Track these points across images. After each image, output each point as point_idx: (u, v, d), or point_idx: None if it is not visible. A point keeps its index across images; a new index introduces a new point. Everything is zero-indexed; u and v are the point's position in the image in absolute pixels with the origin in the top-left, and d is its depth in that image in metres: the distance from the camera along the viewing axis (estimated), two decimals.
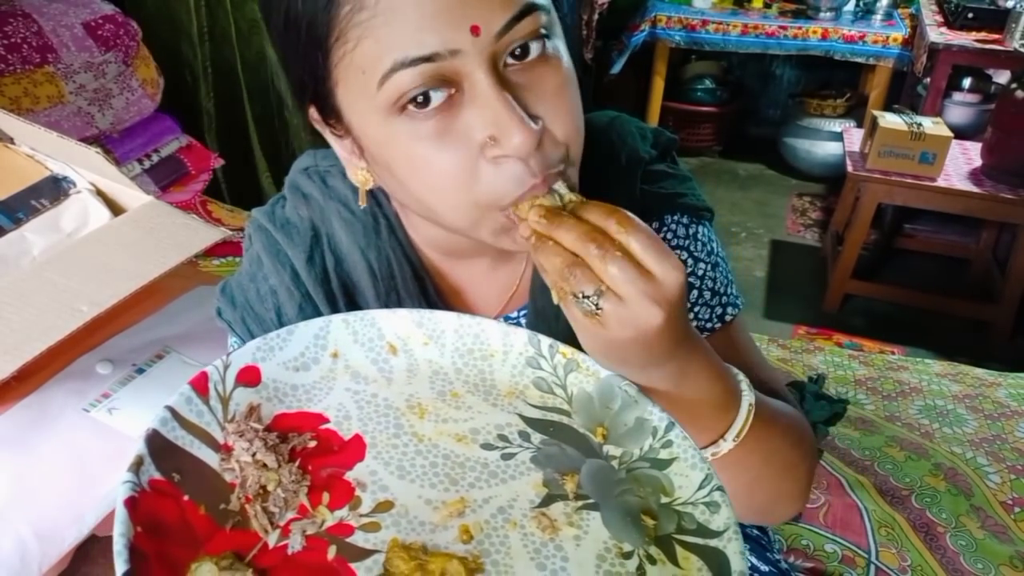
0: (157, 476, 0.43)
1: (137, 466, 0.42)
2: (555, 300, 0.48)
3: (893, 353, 2.12)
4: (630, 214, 0.46)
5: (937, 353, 2.27)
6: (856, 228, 2.41)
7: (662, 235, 0.68)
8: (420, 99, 0.48)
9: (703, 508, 0.47)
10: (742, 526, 0.90)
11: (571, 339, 0.62)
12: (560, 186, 0.50)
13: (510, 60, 0.49)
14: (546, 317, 0.64)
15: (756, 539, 0.88)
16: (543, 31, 0.49)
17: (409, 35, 0.46)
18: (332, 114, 0.54)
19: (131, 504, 0.40)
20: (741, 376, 0.56)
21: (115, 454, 0.99)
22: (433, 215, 0.55)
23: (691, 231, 0.69)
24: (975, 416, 1.31)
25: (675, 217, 0.68)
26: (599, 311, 0.45)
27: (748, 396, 0.56)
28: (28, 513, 0.92)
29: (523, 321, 0.67)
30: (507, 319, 0.68)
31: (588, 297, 0.45)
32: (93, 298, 0.94)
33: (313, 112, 0.56)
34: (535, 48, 0.49)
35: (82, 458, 0.97)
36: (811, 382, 1.34)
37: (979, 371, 1.46)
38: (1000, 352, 2.36)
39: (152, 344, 1.14)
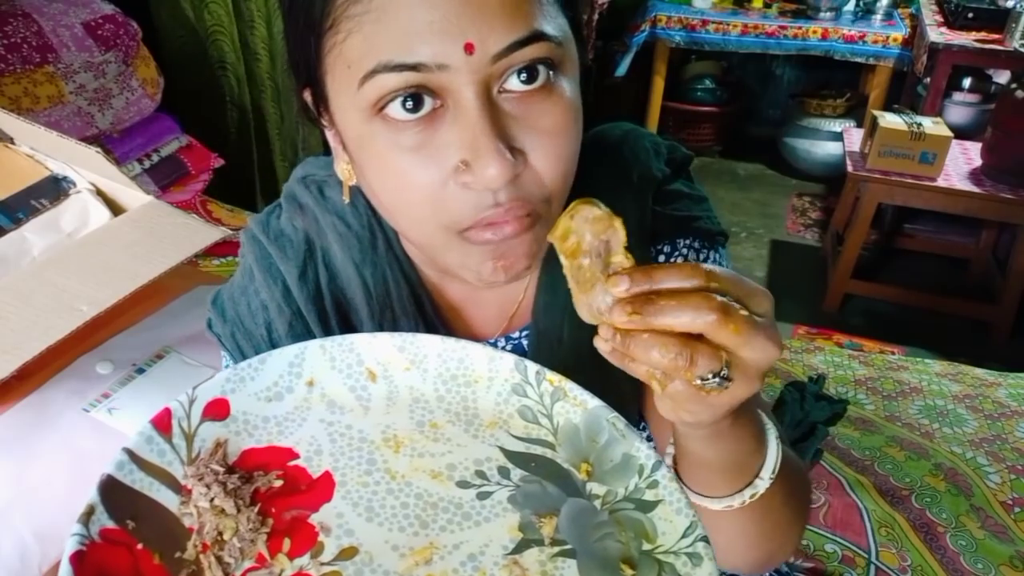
0: (110, 525, 0.40)
1: (87, 516, 0.40)
2: (658, 390, 0.41)
3: (893, 353, 2.12)
4: (704, 266, 0.40)
5: (937, 353, 2.27)
6: (856, 228, 2.41)
7: (673, 259, 0.66)
8: (409, 104, 0.46)
9: (685, 559, 0.44)
10: None
11: (576, 362, 0.59)
12: (617, 252, 0.42)
13: (508, 86, 0.47)
14: (549, 339, 0.62)
15: None
16: (548, 62, 0.47)
17: (398, 39, 0.44)
18: (322, 101, 0.53)
19: (77, 559, 0.38)
20: (759, 411, 0.53)
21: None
22: (399, 226, 0.53)
23: (702, 256, 0.66)
24: (975, 416, 1.31)
25: (687, 241, 0.66)
26: (728, 382, 0.40)
27: (772, 430, 0.52)
28: (28, 513, 0.92)
29: (525, 342, 0.65)
30: (508, 339, 0.66)
31: (716, 375, 0.39)
32: (93, 298, 0.94)
33: (307, 95, 0.55)
34: (537, 77, 0.47)
35: (82, 458, 0.97)
36: (811, 382, 1.33)
37: (979, 371, 1.46)
38: (1000, 352, 2.36)
39: (152, 344, 1.14)
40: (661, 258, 0.66)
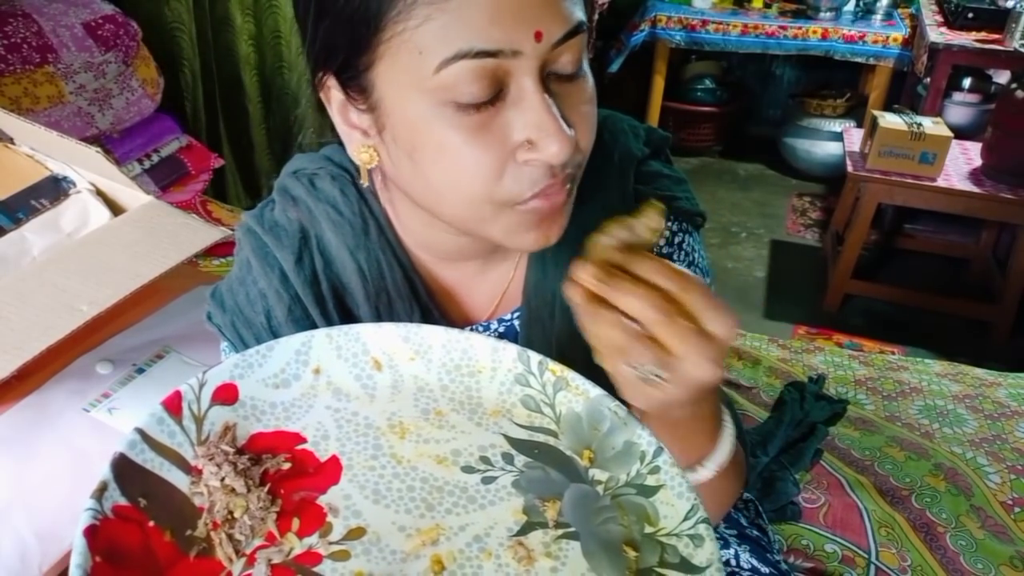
0: (122, 502, 0.41)
1: (100, 492, 0.41)
2: (605, 365, 0.46)
3: (893, 353, 2.12)
4: (683, 269, 0.45)
5: (937, 353, 2.27)
6: (856, 228, 2.41)
7: None
8: (476, 90, 0.48)
9: (687, 541, 0.45)
10: (742, 527, 0.91)
11: (566, 340, 0.62)
12: (621, 231, 0.48)
13: (554, 71, 0.50)
14: (540, 318, 0.64)
15: (756, 540, 0.88)
16: (584, 49, 0.51)
17: (480, 27, 0.46)
18: (356, 87, 0.53)
19: (90, 533, 0.38)
20: (726, 408, 0.57)
21: None
22: (441, 205, 0.54)
23: (677, 240, 0.69)
24: (975, 416, 1.31)
25: (667, 222, 0.68)
26: (660, 379, 0.45)
27: (730, 428, 0.57)
28: (28, 513, 0.92)
29: (517, 323, 0.67)
30: (501, 321, 0.67)
31: (647, 367, 0.44)
32: (93, 298, 0.94)
33: (329, 80, 0.55)
34: (576, 63, 0.51)
35: (82, 458, 0.97)
36: (811, 382, 1.33)
37: (979, 371, 1.46)
38: (1000, 352, 2.36)
39: (152, 344, 1.14)
40: None
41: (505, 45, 0.47)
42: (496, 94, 0.49)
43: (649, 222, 0.48)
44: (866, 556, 1.04)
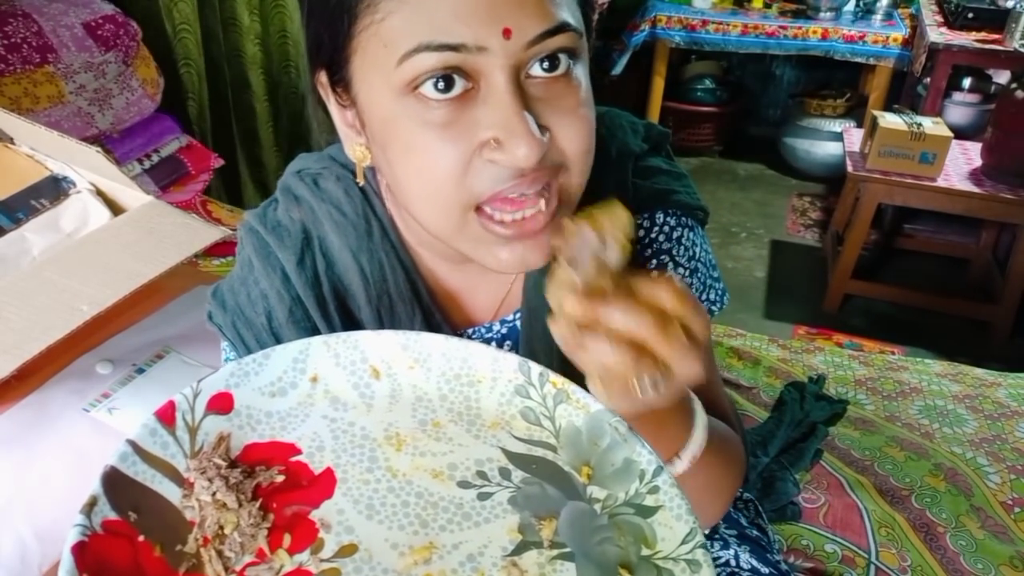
0: (112, 516, 0.40)
1: (90, 507, 0.40)
2: (597, 384, 0.45)
3: (893, 353, 2.12)
4: (674, 283, 0.44)
5: (937, 353, 2.27)
6: (856, 228, 2.41)
7: (651, 234, 0.68)
8: (441, 85, 0.48)
9: (684, 566, 0.44)
10: (742, 527, 0.91)
11: None
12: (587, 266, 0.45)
13: (532, 72, 0.49)
14: (541, 318, 0.63)
15: (755, 540, 0.88)
16: (570, 51, 0.50)
17: (441, 20, 0.46)
18: (341, 82, 0.53)
19: (78, 550, 0.38)
20: (694, 397, 0.57)
21: None
22: (414, 208, 0.54)
23: (676, 235, 0.68)
24: (975, 416, 1.31)
25: (666, 216, 0.68)
26: (658, 391, 0.44)
27: (701, 418, 0.56)
28: (28, 513, 0.92)
29: (519, 323, 0.66)
30: (503, 322, 0.67)
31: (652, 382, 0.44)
32: (93, 298, 0.94)
33: (322, 76, 0.56)
34: (559, 66, 0.50)
35: (82, 458, 0.97)
36: (811, 382, 1.33)
37: (979, 371, 1.46)
38: (1000, 352, 2.36)
39: (152, 344, 1.14)
40: (641, 232, 0.68)
41: (469, 40, 0.46)
42: (466, 90, 0.48)
43: (615, 229, 0.45)
44: (866, 556, 1.04)
